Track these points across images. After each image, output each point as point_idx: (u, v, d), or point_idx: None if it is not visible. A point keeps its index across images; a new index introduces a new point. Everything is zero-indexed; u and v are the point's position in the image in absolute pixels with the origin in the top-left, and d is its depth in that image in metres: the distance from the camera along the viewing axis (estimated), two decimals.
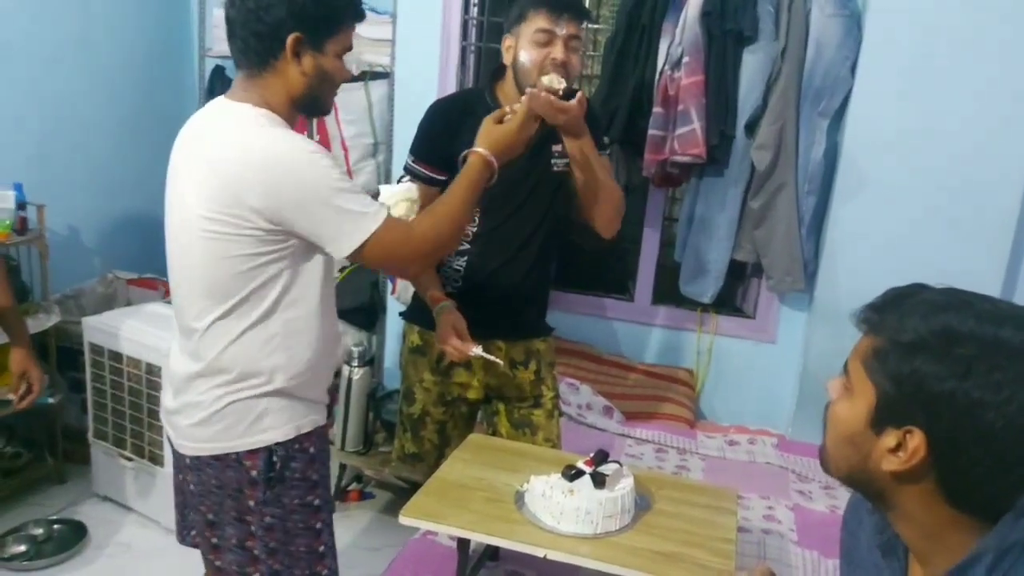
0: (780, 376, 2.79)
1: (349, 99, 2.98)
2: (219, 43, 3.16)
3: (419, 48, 2.89)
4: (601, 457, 1.57)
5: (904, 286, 0.87)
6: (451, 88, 2.93)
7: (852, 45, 2.42)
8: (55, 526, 2.43)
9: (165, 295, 2.96)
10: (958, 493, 0.81)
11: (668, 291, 2.96)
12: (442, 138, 1.77)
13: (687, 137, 2.44)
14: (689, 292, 2.75)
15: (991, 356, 0.76)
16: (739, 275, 2.82)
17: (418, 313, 1.92)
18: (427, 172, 1.79)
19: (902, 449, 0.80)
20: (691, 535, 1.49)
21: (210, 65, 3.25)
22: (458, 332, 1.73)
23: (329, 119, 2.97)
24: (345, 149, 2.98)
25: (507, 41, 1.74)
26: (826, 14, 2.40)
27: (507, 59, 1.75)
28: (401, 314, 2.06)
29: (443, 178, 1.77)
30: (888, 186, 2.44)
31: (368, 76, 2.99)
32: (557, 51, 1.68)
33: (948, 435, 0.78)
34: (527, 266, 1.88)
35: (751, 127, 2.50)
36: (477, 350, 1.73)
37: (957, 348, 0.78)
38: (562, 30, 1.68)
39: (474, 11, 2.95)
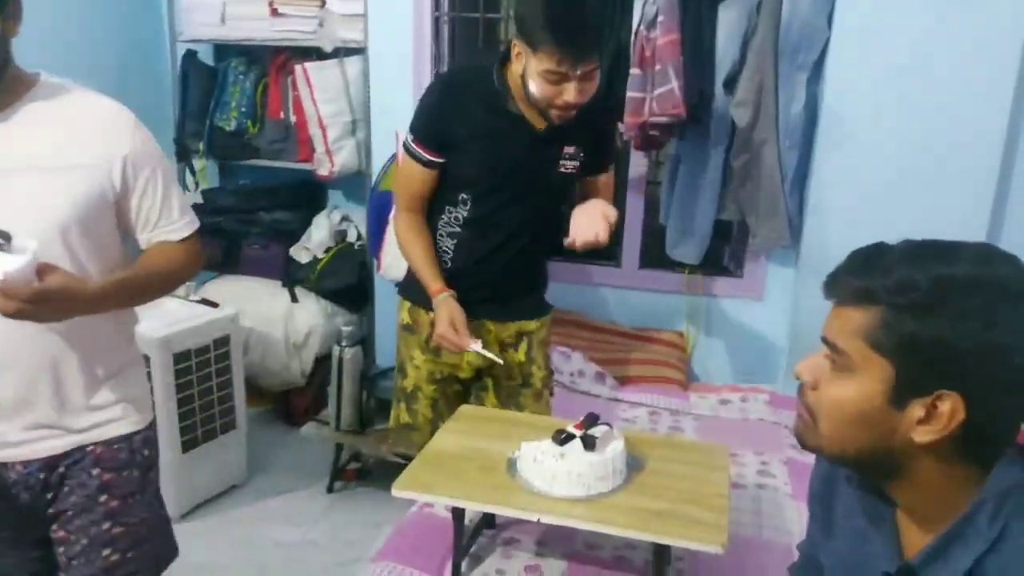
0: (770, 333, 2.80)
1: (325, 77, 2.94)
2: (190, 27, 3.11)
3: (391, 22, 2.86)
4: (591, 420, 1.57)
5: (866, 247, 0.83)
6: (426, 62, 2.90)
7: None
8: None
9: None
10: (978, 447, 0.80)
11: (655, 255, 2.96)
12: (444, 120, 1.72)
13: (666, 97, 2.42)
14: (676, 255, 2.75)
15: (1002, 299, 0.75)
16: (725, 235, 2.81)
17: (408, 288, 1.91)
18: (426, 155, 1.75)
19: (933, 418, 0.77)
20: (684, 493, 1.50)
21: (182, 50, 3.20)
22: (456, 326, 1.71)
23: (305, 98, 2.94)
24: (323, 128, 2.95)
25: (516, 47, 1.63)
26: None
27: (516, 64, 1.65)
28: (398, 285, 2.05)
29: (440, 161, 1.75)
30: (870, 137, 2.43)
31: (343, 52, 2.95)
32: (569, 94, 1.59)
33: (984, 391, 0.76)
34: (520, 254, 1.84)
35: (729, 84, 2.48)
36: (475, 346, 1.72)
37: (970, 299, 0.75)
38: (576, 71, 1.57)
39: None
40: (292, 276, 3.13)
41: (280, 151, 3.15)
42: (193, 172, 3.24)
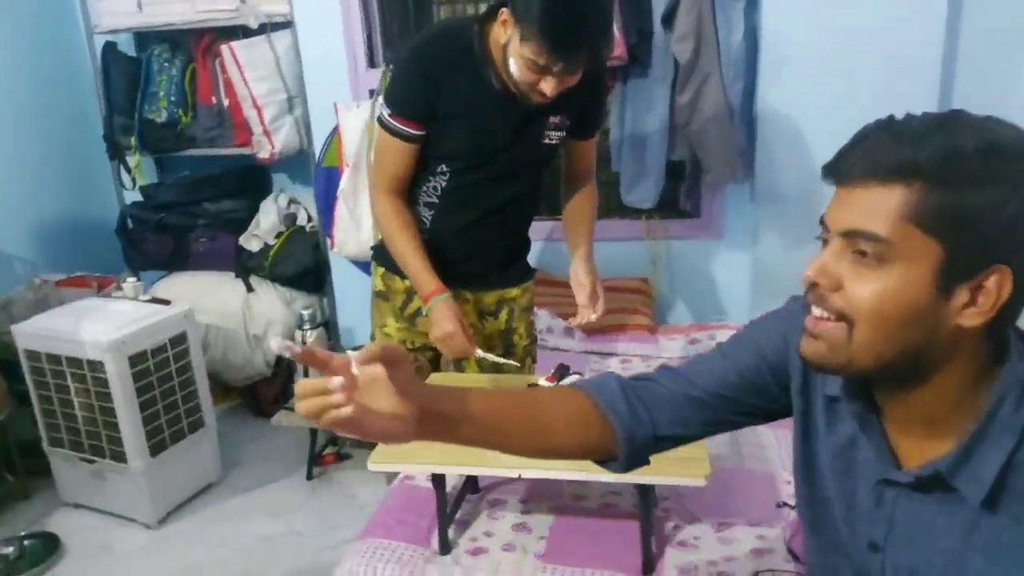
0: (733, 269, 2.80)
1: (254, 56, 2.83)
2: (106, 18, 2.97)
3: None
4: (562, 371, 1.55)
5: (878, 122, 0.76)
6: (357, 30, 2.81)
7: None
8: (26, 542, 2.35)
9: (99, 290, 2.84)
10: (1003, 329, 0.75)
11: (612, 204, 2.93)
12: (426, 92, 1.59)
13: None
14: (631, 200, 2.72)
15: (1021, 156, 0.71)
16: (679, 176, 2.79)
17: (383, 254, 1.81)
18: (409, 129, 1.62)
19: (981, 297, 0.71)
20: None
21: (100, 43, 3.05)
22: (462, 330, 1.61)
23: (236, 79, 2.83)
24: (258, 108, 2.85)
25: (504, 15, 1.49)
26: None
27: (500, 30, 1.51)
28: (373, 248, 1.93)
29: (421, 133, 1.62)
30: (811, 60, 2.40)
31: (269, 28, 2.84)
32: (548, 87, 1.47)
33: None
34: (500, 225, 1.76)
35: (668, 20, 2.44)
36: (480, 352, 1.63)
37: (1019, 162, 0.70)
38: (558, 69, 1.45)
39: None
40: (245, 266, 3.04)
41: (216, 138, 3.04)
42: (128, 169, 3.12)
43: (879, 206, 0.72)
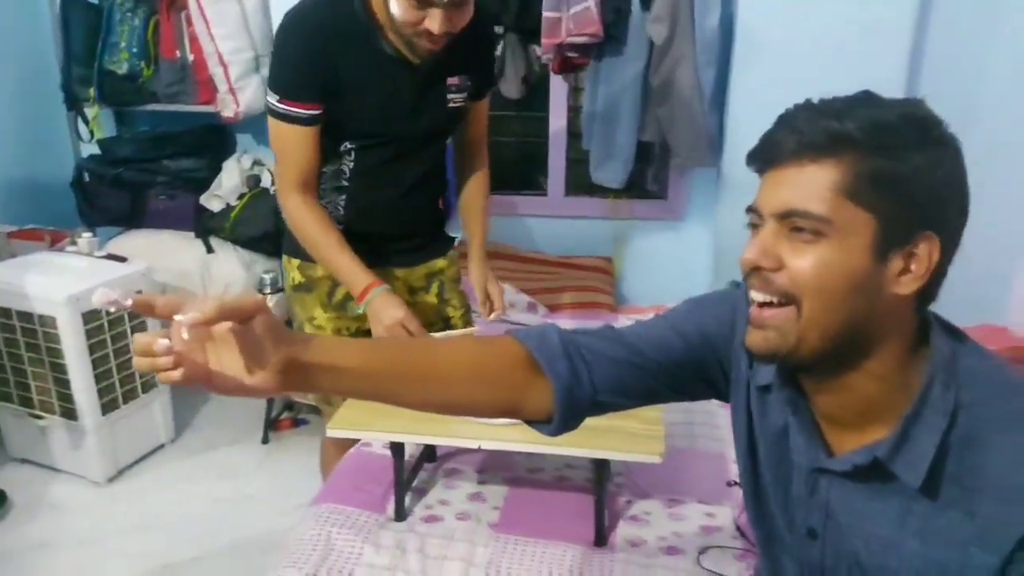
0: (695, 252, 2.84)
1: (221, 11, 2.76)
2: None
3: None
4: None
5: (798, 105, 0.77)
6: None
7: None
8: None
9: (51, 244, 2.76)
10: (934, 290, 0.77)
11: (580, 182, 2.94)
12: (315, 68, 1.47)
13: (582, 16, 2.36)
14: (600, 179, 2.73)
15: (946, 131, 0.74)
16: (647, 157, 2.81)
17: (295, 244, 1.68)
18: (305, 111, 1.50)
19: (913, 264, 0.74)
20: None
21: None
22: (409, 322, 1.52)
23: (202, 34, 2.76)
24: (224, 66, 2.78)
25: None
26: None
27: None
28: (279, 248, 1.81)
29: (319, 112, 1.51)
30: (784, 52, 2.43)
31: None
32: (434, 22, 1.38)
33: (951, 226, 0.75)
34: (415, 198, 1.71)
35: (646, 1, 2.44)
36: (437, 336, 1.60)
37: (938, 130, 0.74)
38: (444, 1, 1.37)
39: None
40: (205, 226, 2.98)
41: (179, 94, 2.95)
42: (86, 121, 3.02)
43: (812, 183, 0.73)
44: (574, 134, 2.89)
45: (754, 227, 0.79)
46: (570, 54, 2.48)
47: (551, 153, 2.92)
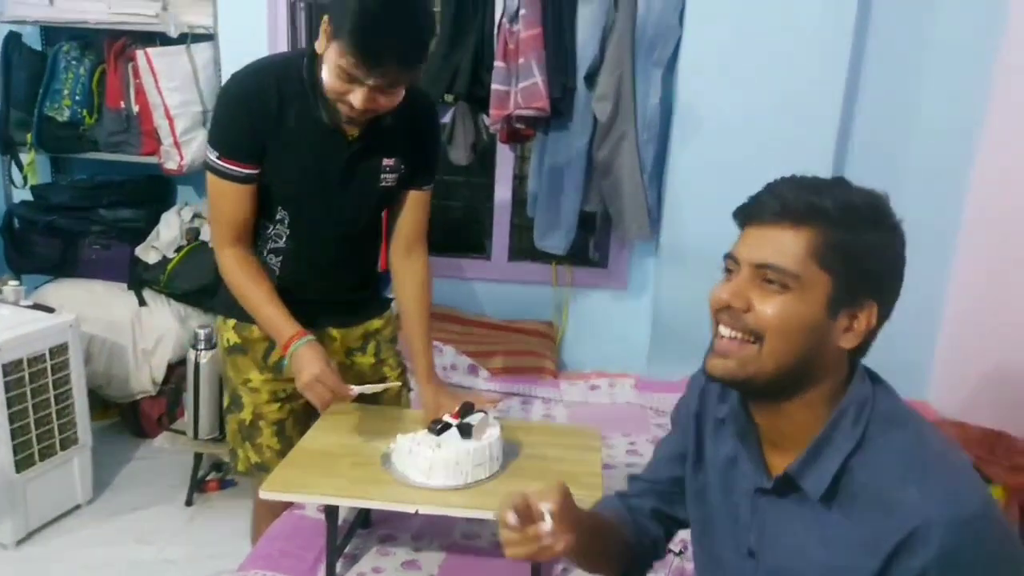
0: (634, 320, 2.90)
1: (171, 64, 2.76)
2: (13, 6, 2.83)
3: (243, 6, 2.72)
4: (467, 408, 1.56)
5: (782, 179, 0.91)
6: (283, 48, 2.78)
7: None
8: None
9: None
10: (865, 349, 0.91)
11: (524, 247, 2.99)
12: (253, 128, 1.49)
13: (530, 91, 2.45)
14: (544, 246, 2.79)
15: (895, 217, 0.89)
16: (590, 227, 2.88)
17: (230, 304, 1.66)
18: (241, 169, 1.51)
19: (855, 324, 0.88)
20: (559, 474, 1.50)
21: (4, 32, 2.89)
22: (330, 373, 1.48)
23: (149, 86, 2.75)
24: (170, 119, 2.76)
25: (324, 24, 1.42)
26: None
27: (319, 46, 1.44)
28: (208, 307, 1.79)
29: (255, 172, 1.52)
30: (720, 131, 2.56)
31: (190, 38, 2.77)
32: (356, 98, 1.40)
33: (888, 298, 0.89)
34: (351, 266, 1.72)
35: (590, 79, 2.55)
36: (355, 391, 1.52)
37: (891, 216, 0.89)
38: (369, 81, 1.38)
39: None
40: (139, 278, 2.91)
41: (121, 144, 2.91)
42: (20, 166, 2.94)
43: (789, 244, 0.87)
44: (519, 201, 2.95)
45: (729, 272, 0.93)
46: (518, 125, 2.56)
47: (496, 219, 2.96)
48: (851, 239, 0.86)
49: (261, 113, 1.49)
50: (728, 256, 0.93)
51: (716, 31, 2.50)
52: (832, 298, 0.86)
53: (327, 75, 1.42)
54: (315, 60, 1.47)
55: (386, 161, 1.60)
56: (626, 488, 1.21)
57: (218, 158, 1.51)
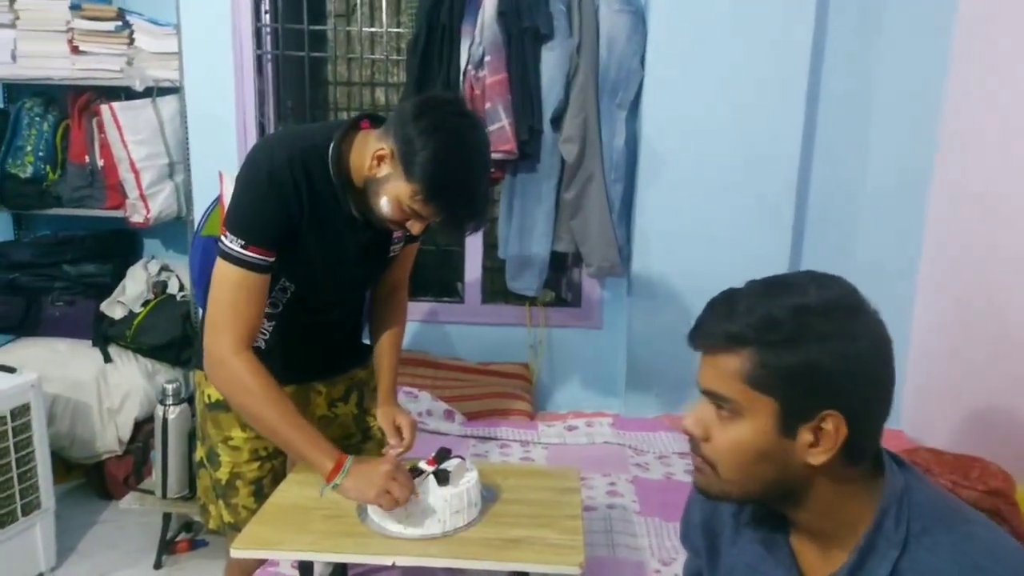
0: (609, 359, 2.89)
1: (136, 117, 2.75)
2: None
3: (209, 59, 2.73)
4: (443, 454, 1.53)
5: (718, 296, 0.88)
6: (250, 100, 2.80)
7: (639, 39, 2.56)
8: None
9: None
10: (862, 454, 0.85)
11: (496, 289, 2.99)
12: (285, 217, 1.42)
13: (497, 134, 2.47)
14: (516, 288, 2.78)
15: (850, 314, 0.82)
16: (562, 266, 2.89)
17: None
18: (264, 259, 1.42)
19: (822, 439, 0.82)
20: (539, 518, 1.49)
21: None
22: (398, 477, 1.40)
23: (114, 140, 2.73)
24: (136, 172, 2.74)
25: (384, 150, 1.37)
26: (613, 10, 2.53)
27: (371, 164, 1.40)
28: (189, 363, 1.75)
29: (274, 260, 1.44)
30: (684, 169, 2.60)
31: (155, 92, 2.77)
32: (414, 228, 1.43)
33: (856, 401, 0.82)
34: (341, 325, 1.73)
35: (556, 121, 2.58)
36: (421, 487, 1.43)
37: (829, 321, 0.81)
38: (436, 219, 1.41)
39: (266, 18, 2.84)
40: (104, 334, 2.85)
41: (85, 198, 2.88)
42: None
43: (720, 371, 0.84)
44: (491, 244, 2.96)
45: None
46: None
47: (468, 261, 2.96)
48: (778, 358, 0.80)
49: (296, 203, 1.42)
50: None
51: (675, 74, 2.56)
52: (781, 419, 0.82)
53: (388, 206, 1.40)
54: (342, 155, 1.45)
55: (396, 234, 1.61)
56: None
57: (243, 247, 1.39)
